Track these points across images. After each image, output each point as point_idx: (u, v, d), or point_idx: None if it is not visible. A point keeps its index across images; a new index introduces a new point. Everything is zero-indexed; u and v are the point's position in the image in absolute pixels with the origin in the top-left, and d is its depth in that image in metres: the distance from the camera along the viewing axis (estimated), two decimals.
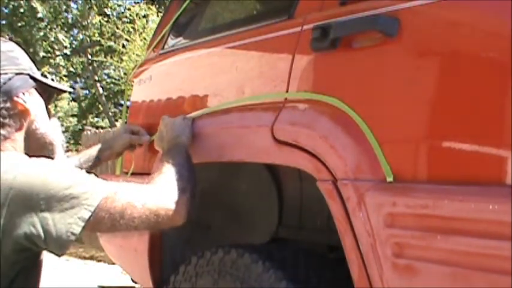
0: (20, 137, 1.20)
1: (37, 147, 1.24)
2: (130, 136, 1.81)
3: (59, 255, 1.10)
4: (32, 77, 1.23)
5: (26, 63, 1.23)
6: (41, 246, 1.08)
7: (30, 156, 1.18)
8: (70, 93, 16.52)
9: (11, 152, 1.16)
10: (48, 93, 1.29)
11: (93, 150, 1.79)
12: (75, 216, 1.07)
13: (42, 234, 1.05)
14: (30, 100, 1.21)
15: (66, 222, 1.06)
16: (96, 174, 1.19)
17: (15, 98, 1.17)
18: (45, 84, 1.26)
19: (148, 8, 10.48)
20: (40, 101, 1.25)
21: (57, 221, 1.06)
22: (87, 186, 1.11)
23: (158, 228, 1.27)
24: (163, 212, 1.21)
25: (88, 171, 1.65)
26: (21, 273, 1.12)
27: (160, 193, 1.23)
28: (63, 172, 1.11)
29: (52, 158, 1.25)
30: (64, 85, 1.39)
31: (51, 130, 1.27)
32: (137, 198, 1.17)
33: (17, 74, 1.19)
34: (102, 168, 8.31)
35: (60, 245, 1.07)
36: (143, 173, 1.87)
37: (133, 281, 2.26)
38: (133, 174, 1.96)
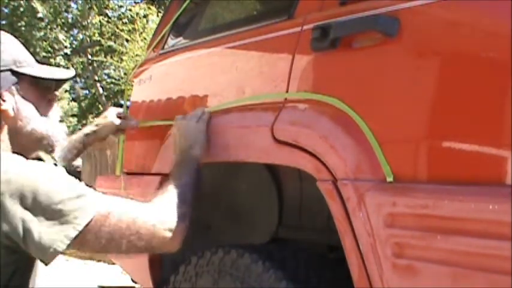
0: (4, 137, 1.17)
1: (31, 143, 1.21)
2: (117, 120, 1.76)
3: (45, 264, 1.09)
4: (15, 72, 1.17)
5: (8, 58, 1.17)
6: (25, 250, 1.06)
7: (27, 152, 1.17)
8: (70, 93, 16.51)
9: (8, 153, 1.13)
10: (46, 82, 1.24)
11: (77, 137, 1.75)
12: (61, 233, 1.05)
13: (23, 244, 1.04)
14: (9, 99, 1.16)
15: (51, 238, 1.04)
16: (90, 186, 1.16)
17: None
18: (33, 76, 1.21)
19: (148, 8, 10.48)
20: (20, 98, 1.19)
21: (42, 234, 1.04)
22: (78, 202, 1.08)
23: (149, 253, 1.25)
24: (156, 240, 1.18)
25: (72, 160, 1.65)
26: (17, 273, 1.12)
27: (156, 219, 1.19)
28: (58, 184, 1.08)
29: (51, 151, 1.24)
30: (62, 71, 1.31)
31: (44, 123, 1.22)
32: (129, 222, 1.13)
33: None
34: (102, 168, 8.32)
35: (42, 257, 1.06)
36: (143, 173, 1.87)
37: (133, 281, 2.26)
38: (132, 174, 1.96)
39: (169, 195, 1.26)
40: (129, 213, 1.14)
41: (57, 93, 1.28)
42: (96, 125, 1.77)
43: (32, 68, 1.21)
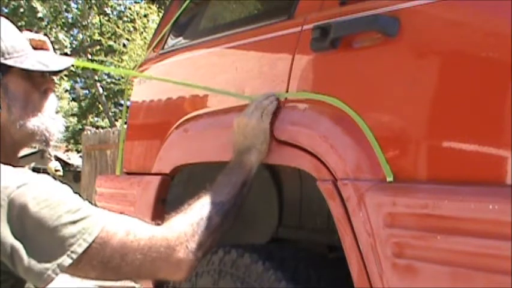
0: None
1: (23, 139, 1.14)
2: None
3: None
4: (2, 64, 1.08)
5: None
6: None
7: (21, 147, 1.13)
8: (70, 93, 16.50)
9: (4, 166, 1.05)
10: (39, 73, 1.14)
11: None
12: (54, 262, 0.98)
13: (14, 271, 0.99)
14: None
15: (43, 267, 0.98)
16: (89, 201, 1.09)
17: None
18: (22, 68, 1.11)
19: (149, 7, 10.49)
20: (8, 93, 1.10)
21: (32, 264, 0.97)
22: (75, 228, 1.00)
23: (152, 279, 1.18)
24: (157, 271, 1.08)
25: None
26: (18, 282, 1.07)
27: (160, 248, 1.07)
28: (54, 209, 1.00)
29: (46, 145, 1.16)
30: (59, 59, 1.19)
31: (35, 119, 1.13)
32: (128, 251, 1.04)
33: None
34: (102, 168, 8.32)
35: (34, 285, 1.02)
36: (143, 173, 1.87)
37: (133, 281, 2.26)
38: (131, 174, 1.96)
39: (191, 218, 1.13)
40: (129, 241, 1.05)
41: (56, 79, 1.20)
42: None
43: (24, 58, 1.11)
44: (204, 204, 1.17)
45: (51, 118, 1.17)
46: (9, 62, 1.09)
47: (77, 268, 1.01)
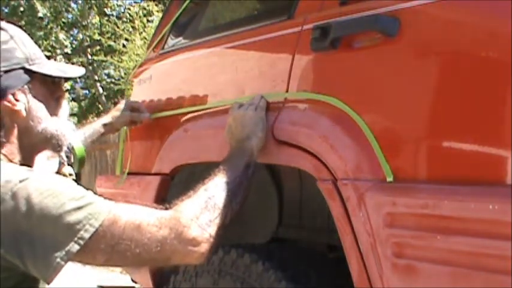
0: (14, 139, 1.13)
1: (40, 143, 1.17)
2: (131, 113, 1.85)
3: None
4: (27, 70, 1.12)
5: (20, 55, 1.12)
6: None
7: (36, 151, 1.16)
8: (70, 93, 16.51)
9: (4, 163, 1.08)
10: (56, 80, 1.19)
11: (97, 125, 1.86)
12: (62, 250, 0.99)
13: (22, 266, 1.00)
14: (22, 99, 1.12)
15: (51, 256, 0.98)
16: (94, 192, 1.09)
17: (5, 102, 1.09)
18: (45, 74, 1.15)
19: (152, 5, 10.51)
20: (32, 97, 1.14)
21: (40, 255, 0.98)
22: (80, 214, 1.00)
23: (166, 265, 1.15)
24: (169, 252, 1.06)
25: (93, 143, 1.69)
26: (25, 281, 1.07)
27: (169, 227, 1.06)
28: (56, 198, 1.00)
29: (59, 150, 1.20)
30: (72, 68, 1.24)
31: (54, 123, 1.17)
32: (136, 233, 1.03)
33: (6, 71, 1.09)
34: (102, 168, 8.32)
35: (43, 278, 1.01)
36: (143, 173, 1.87)
37: (133, 281, 2.26)
38: (131, 174, 1.96)
39: (197, 198, 1.14)
40: (137, 221, 1.04)
41: (65, 87, 1.23)
42: (112, 117, 1.88)
43: (43, 65, 1.16)
44: (208, 186, 1.17)
45: (65, 124, 1.21)
46: (34, 68, 1.14)
47: (85, 254, 1.01)
